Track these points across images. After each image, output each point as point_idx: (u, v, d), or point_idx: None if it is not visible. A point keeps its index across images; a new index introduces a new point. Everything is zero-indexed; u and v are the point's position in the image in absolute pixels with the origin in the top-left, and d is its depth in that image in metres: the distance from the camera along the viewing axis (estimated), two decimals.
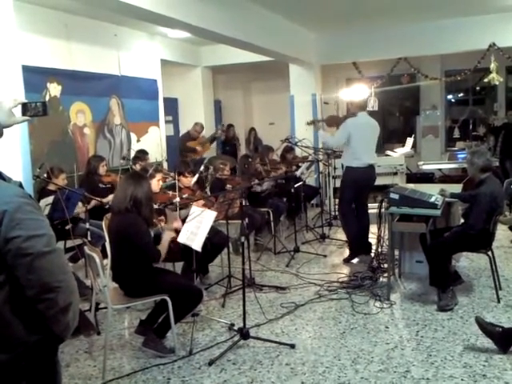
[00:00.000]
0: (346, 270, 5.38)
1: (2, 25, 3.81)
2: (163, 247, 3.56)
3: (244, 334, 3.62)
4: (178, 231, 3.83)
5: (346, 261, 5.63)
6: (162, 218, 4.21)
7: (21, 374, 1.56)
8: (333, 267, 5.49)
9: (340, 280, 5.00)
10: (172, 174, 6.26)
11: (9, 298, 1.49)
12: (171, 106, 9.51)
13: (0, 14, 3.80)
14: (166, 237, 3.65)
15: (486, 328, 3.44)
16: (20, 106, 1.77)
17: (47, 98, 6.21)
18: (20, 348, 1.53)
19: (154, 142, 8.16)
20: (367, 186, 5.75)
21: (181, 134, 9.37)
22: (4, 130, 1.70)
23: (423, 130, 11.39)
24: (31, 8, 5.92)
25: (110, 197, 5.03)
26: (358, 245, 5.64)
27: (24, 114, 1.79)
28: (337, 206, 7.72)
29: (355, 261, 5.60)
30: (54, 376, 1.72)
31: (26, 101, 1.80)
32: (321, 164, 7.92)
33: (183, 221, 3.94)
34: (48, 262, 1.49)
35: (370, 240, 5.71)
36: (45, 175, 4.94)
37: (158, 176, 4.73)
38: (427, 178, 9.22)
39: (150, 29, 7.69)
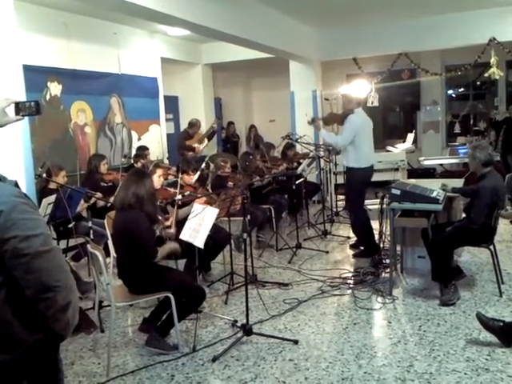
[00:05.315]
0: (348, 265, 5.39)
1: (2, 24, 3.82)
2: (162, 251, 3.54)
3: (247, 330, 3.63)
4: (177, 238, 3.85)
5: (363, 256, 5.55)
6: (168, 216, 4.20)
7: (22, 373, 1.55)
8: (335, 263, 5.50)
9: (342, 276, 5.01)
10: (174, 168, 6.26)
11: (8, 298, 1.48)
12: (172, 103, 9.51)
13: (0, 13, 3.81)
14: (170, 245, 3.67)
15: (488, 324, 3.44)
16: (13, 106, 1.74)
17: (48, 98, 6.23)
18: (20, 348, 1.52)
19: (154, 140, 8.18)
20: (368, 183, 5.76)
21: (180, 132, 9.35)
22: None
23: (424, 126, 11.38)
24: (31, 7, 5.92)
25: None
26: (374, 243, 5.51)
27: (17, 113, 1.75)
28: (338, 203, 7.79)
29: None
30: (56, 374, 1.71)
31: (18, 100, 1.77)
32: (322, 160, 7.92)
33: (185, 218, 3.95)
34: (46, 262, 1.47)
35: None
36: (44, 174, 4.92)
37: (159, 172, 4.70)
38: (428, 173, 9.24)
39: (149, 27, 7.68)
